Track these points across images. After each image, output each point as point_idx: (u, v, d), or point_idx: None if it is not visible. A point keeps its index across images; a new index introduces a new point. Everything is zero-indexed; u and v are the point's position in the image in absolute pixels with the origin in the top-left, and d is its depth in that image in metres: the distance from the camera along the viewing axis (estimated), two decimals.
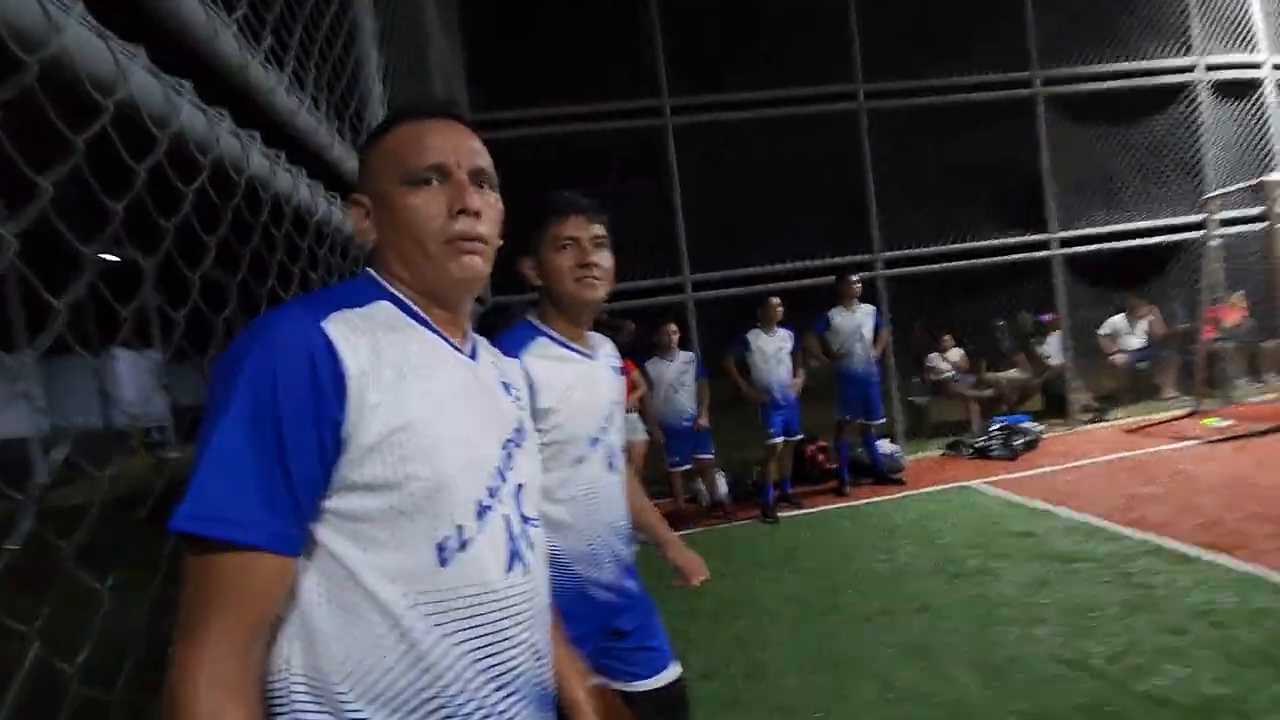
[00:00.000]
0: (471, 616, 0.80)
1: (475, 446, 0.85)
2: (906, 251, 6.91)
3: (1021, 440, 6.33)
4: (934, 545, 4.29)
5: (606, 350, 1.68)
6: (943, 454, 6.76)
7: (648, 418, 5.35)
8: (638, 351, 5.36)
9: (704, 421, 5.42)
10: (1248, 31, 7.60)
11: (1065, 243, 7.22)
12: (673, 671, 1.66)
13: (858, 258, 6.72)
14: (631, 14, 6.55)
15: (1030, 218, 7.19)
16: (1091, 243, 7.24)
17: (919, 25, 6.77)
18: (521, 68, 6.27)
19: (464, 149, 0.89)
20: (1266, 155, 7.55)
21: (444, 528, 0.79)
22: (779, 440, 5.39)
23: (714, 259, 6.68)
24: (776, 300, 5.53)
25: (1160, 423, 6.84)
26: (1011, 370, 7.78)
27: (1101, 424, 7.12)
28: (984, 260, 7.03)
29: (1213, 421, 6.49)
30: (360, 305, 0.82)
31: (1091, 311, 7.61)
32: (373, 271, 0.90)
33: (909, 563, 4.06)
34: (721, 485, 5.78)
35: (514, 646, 0.84)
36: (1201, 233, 7.00)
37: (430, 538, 0.79)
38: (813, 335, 5.80)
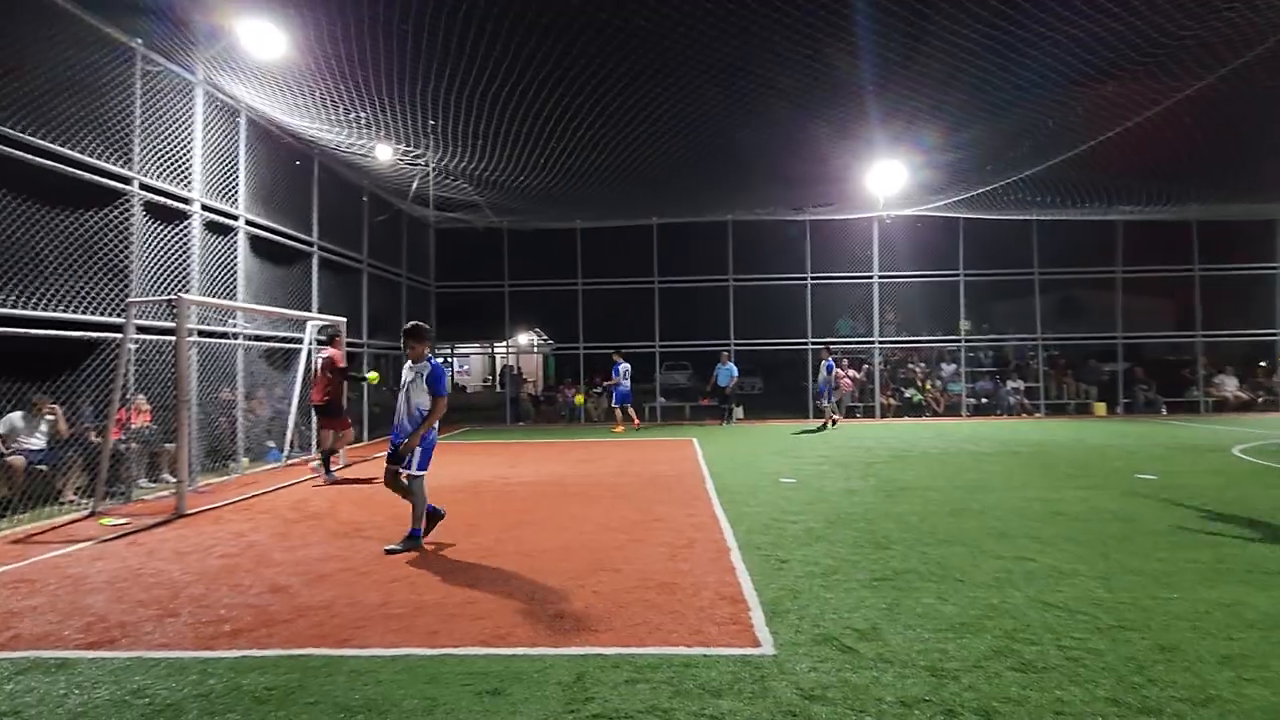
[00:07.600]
0: None
1: None
2: None
3: None
4: None
5: None
6: None
7: None
8: None
9: None
10: (186, 171, 8.68)
11: None
12: None
13: None
14: None
15: None
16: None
17: None
18: None
19: None
20: (185, 277, 8.63)
21: None
22: None
23: None
24: None
25: (55, 528, 6.42)
26: None
27: None
28: None
29: (109, 521, 6.56)
30: None
31: None
32: None
33: None
34: None
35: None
36: (120, 335, 7.23)
37: None
38: None
